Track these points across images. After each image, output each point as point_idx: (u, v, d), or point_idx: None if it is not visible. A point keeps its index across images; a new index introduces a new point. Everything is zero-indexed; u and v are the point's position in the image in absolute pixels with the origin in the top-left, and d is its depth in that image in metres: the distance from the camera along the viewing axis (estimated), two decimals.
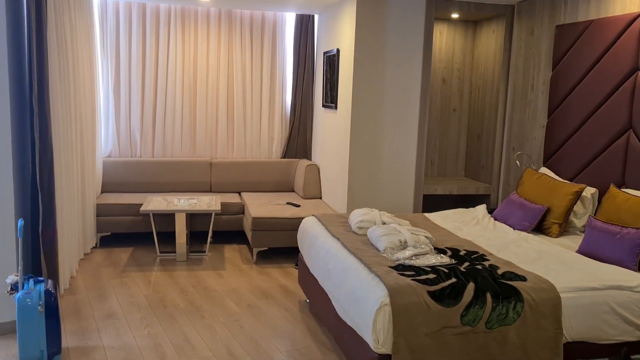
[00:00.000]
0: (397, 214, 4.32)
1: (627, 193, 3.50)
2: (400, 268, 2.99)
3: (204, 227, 5.54)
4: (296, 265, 5.09)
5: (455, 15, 5.50)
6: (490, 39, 5.50)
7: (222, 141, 6.33)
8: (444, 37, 5.79)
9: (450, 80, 5.85)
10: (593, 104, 4.07)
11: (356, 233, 3.70)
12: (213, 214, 5.22)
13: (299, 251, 4.41)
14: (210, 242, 5.70)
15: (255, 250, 5.19)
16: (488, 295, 2.74)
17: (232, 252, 5.50)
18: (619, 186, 3.77)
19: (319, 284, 3.58)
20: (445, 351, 2.67)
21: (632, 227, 3.24)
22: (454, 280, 2.83)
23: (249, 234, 5.24)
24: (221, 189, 6.18)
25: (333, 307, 3.26)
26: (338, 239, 3.57)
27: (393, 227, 3.46)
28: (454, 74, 5.85)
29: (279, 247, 5.20)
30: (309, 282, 3.91)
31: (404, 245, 3.27)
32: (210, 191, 6.16)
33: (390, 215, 3.85)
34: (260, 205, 5.45)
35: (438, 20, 5.73)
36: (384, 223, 3.70)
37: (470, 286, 2.78)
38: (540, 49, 4.69)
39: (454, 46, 5.82)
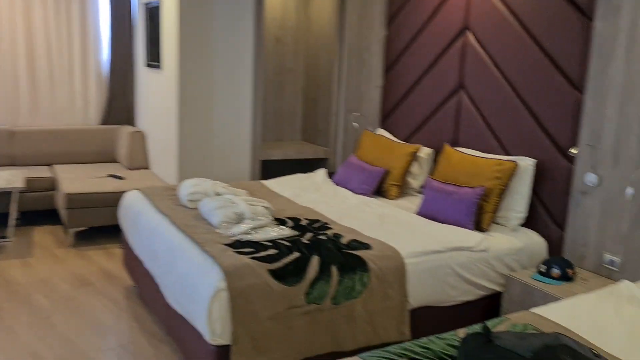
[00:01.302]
0: (233, 182, 3.96)
1: (462, 152, 3.52)
2: (238, 245, 2.65)
3: (5, 208, 4.66)
4: (122, 245, 4.50)
5: None
6: None
7: (25, 106, 5.38)
8: None
9: (285, 40, 5.55)
10: (426, 64, 4.04)
11: (187, 207, 3.28)
12: (15, 193, 4.39)
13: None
14: (16, 225, 4.84)
15: (71, 232, 4.50)
16: (334, 269, 2.53)
17: (43, 235, 4.72)
18: (453, 145, 3.80)
19: (145, 267, 3.12)
20: (290, 334, 2.41)
21: (468, 187, 3.25)
22: (297, 254, 2.57)
23: (63, 213, 4.51)
24: (27, 161, 5.28)
25: (162, 293, 2.84)
26: (166, 214, 3.12)
27: (228, 198, 3.10)
28: (288, 33, 5.56)
29: (101, 225, 4.57)
30: (134, 265, 3.41)
31: (240, 218, 2.93)
32: (14, 165, 5.23)
33: (225, 185, 3.48)
34: (76, 180, 4.73)
35: None
36: (218, 194, 3.32)
37: (315, 260, 2.54)
38: (374, 8, 4.56)
39: (287, 3, 5.51)
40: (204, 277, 2.37)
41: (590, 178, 2.95)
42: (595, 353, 1.50)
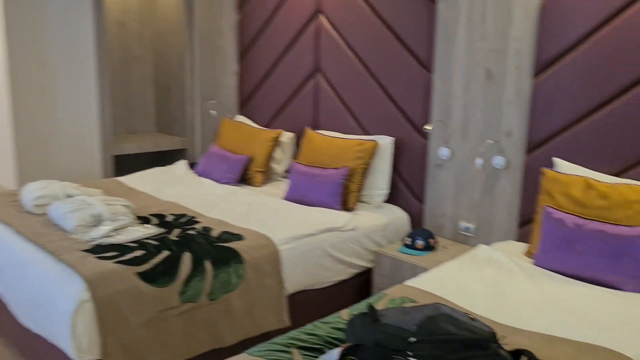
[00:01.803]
0: (85, 182, 3.64)
1: (323, 135, 3.56)
2: (98, 250, 2.43)
3: None
4: None
5: None
6: None
7: None
8: None
9: (129, 25, 5.20)
10: (281, 48, 4.02)
11: (34, 213, 2.94)
12: None
13: None
14: None
15: None
16: (207, 264, 2.42)
17: None
18: (314, 128, 3.83)
19: None
20: (167, 338, 2.27)
21: (332, 168, 3.30)
22: (166, 253, 2.42)
23: None
24: None
25: (11, 312, 2.53)
26: (8, 224, 2.77)
27: (81, 199, 2.83)
28: (132, 17, 5.21)
29: None
30: None
31: (98, 220, 2.69)
32: None
33: (77, 186, 3.17)
34: None
35: None
36: (69, 196, 3.02)
37: (187, 257, 2.41)
38: None
39: None
40: (63, 289, 2.15)
41: (444, 152, 3.15)
42: (471, 318, 1.59)
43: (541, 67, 2.73)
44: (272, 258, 2.64)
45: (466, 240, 3.14)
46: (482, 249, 2.60)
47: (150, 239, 2.58)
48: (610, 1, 2.48)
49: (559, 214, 2.41)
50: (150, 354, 2.23)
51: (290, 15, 3.91)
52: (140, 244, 2.51)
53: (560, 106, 2.67)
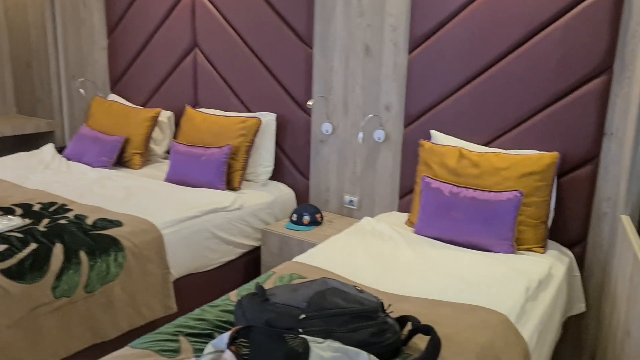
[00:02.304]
0: None
1: (204, 113, 3.44)
2: None
3: None
4: None
5: None
6: None
7: None
8: None
9: None
10: (154, 22, 3.80)
11: None
12: None
13: None
14: None
15: None
16: (82, 254, 2.25)
17: None
18: (194, 106, 3.69)
19: None
20: (40, 338, 2.09)
21: (215, 147, 3.21)
22: (34, 246, 2.22)
23: None
24: None
25: None
26: None
27: None
28: None
29: None
30: None
31: None
32: None
33: None
34: None
35: None
36: None
37: (58, 248, 2.23)
38: None
39: None
40: None
41: (326, 127, 3.17)
42: (358, 289, 1.62)
43: (416, 43, 2.82)
44: (155, 243, 2.52)
45: (351, 214, 3.21)
46: (366, 220, 2.67)
47: (15, 232, 2.34)
48: None
49: (436, 184, 2.53)
50: (23, 356, 2.04)
51: None
52: (3, 237, 2.27)
53: (434, 80, 2.79)
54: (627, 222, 2.12)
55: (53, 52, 4.50)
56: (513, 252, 2.35)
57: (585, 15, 2.36)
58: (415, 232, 2.54)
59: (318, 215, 3.06)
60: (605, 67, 2.36)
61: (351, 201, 3.19)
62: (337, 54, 3.08)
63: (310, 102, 3.10)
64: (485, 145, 2.68)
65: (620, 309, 1.98)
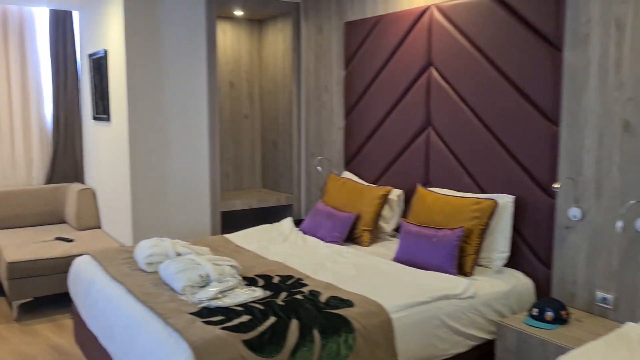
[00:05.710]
0: (194, 240, 3.67)
1: (436, 192, 3.35)
2: (206, 313, 2.36)
3: None
4: (72, 315, 4.09)
5: (238, 13, 5.02)
6: (278, 38, 5.14)
7: None
8: (229, 37, 5.28)
9: (239, 84, 5.37)
10: (390, 103, 3.91)
11: (145, 271, 2.97)
12: None
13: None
14: None
15: (15, 304, 4.07)
16: (316, 333, 2.27)
17: None
18: (425, 185, 3.64)
19: (100, 344, 2.77)
20: None
21: (447, 228, 3.07)
22: (273, 319, 2.30)
23: (5, 284, 4.09)
24: None
25: None
26: (121, 282, 2.80)
27: (190, 258, 2.81)
28: (243, 77, 5.38)
29: (49, 295, 4.15)
30: (87, 339, 3.05)
31: (206, 281, 2.65)
32: None
33: (186, 244, 3.18)
34: (20, 245, 4.32)
35: (221, 19, 5.20)
36: (179, 254, 3.03)
37: (294, 324, 2.28)
38: (331, 47, 4.45)
39: (240, 47, 5.34)
40: (170, 356, 2.07)
41: (574, 212, 2.83)
42: None
43: None
44: (384, 327, 2.44)
45: (604, 313, 2.75)
46: (630, 326, 2.23)
47: (257, 303, 2.48)
48: None
49: None
50: None
51: (399, 69, 3.81)
52: (247, 307, 2.41)
53: None
54: None
55: (296, 132, 4.92)
56: None
57: None
58: None
59: (564, 312, 2.68)
60: None
61: (605, 299, 2.74)
62: (588, 131, 2.76)
63: (556, 185, 2.81)
64: None
65: None
